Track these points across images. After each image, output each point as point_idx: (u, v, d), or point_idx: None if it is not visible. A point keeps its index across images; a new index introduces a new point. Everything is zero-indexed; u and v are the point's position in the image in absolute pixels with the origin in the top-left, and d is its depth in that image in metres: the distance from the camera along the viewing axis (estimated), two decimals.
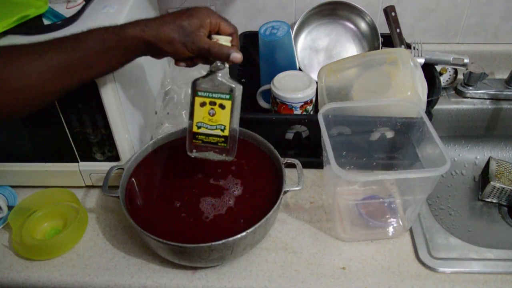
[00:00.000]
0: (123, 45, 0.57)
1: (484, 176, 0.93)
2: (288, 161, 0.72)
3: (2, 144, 0.76)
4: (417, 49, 0.93)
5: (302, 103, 0.81)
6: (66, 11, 0.70)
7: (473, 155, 1.01)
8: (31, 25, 0.67)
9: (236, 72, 0.90)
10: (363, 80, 0.80)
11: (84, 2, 0.72)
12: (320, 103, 0.83)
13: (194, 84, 0.62)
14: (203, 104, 0.62)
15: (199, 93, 0.62)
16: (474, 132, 1.01)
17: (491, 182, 0.88)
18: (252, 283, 0.65)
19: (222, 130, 0.63)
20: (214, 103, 0.62)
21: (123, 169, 0.71)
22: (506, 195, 0.89)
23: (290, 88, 0.81)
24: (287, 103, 0.81)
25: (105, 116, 0.69)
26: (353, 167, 0.80)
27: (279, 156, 0.71)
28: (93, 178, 0.79)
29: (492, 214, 0.90)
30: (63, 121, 0.71)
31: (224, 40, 0.60)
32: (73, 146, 0.74)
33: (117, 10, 0.71)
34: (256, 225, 0.60)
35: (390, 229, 0.72)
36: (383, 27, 0.95)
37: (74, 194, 0.76)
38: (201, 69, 0.70)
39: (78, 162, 0.77)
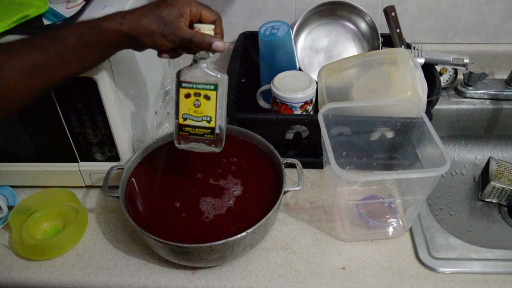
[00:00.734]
0: (101, 40, 0.55)
1: (484, 176, 0.93)
2: (288, 161, 0.72)
3: (2, 144, 0.76)
4: (417, 49, 0.93)
5: (302, 103, 0.81)
6: (66, 11, 0.70)
7: (473, 155, 1.01)
8: (31, 25, 0.67)
9: (236, 72, 0.90)
10: (363, 80, 0.80)
11: (84, 2, 0.72)
12: (320, 103, 0.83)
13: (178, 75, 0.61)
14: (187, 96, 0.61)
15: (183, 84, 0.60)
16: (474, 132, 1.01)
17: (491, 182, 0.88)
18: (252, 283, 0.65)
19: (208, 122, 0.62)
20: (199, 94, 0.60)
21: (123, 169, 0.71)
22: (506, 195, 0.89)
23: (290, 88, 0.81)
24: (287, 103, 0.81)
25: (105, 116, 0.69)
26: (353, 167, 0.80)
27: (279, 156, 0.71)
28: (93, 178, 0.79)
29: (492, 214, 0.90)
30: (63, 121, 0.71)
31: (207, 29, 0.58)
32: (73, 146, 0.74)
33: (117, 10, 0.71)
34: (256, 225, 0.60)
35: (390, 229, 0.72)
36: (383, 27, 0.95)
37: (74, 194, 0.76)
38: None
39: (78, 162, 0.77)
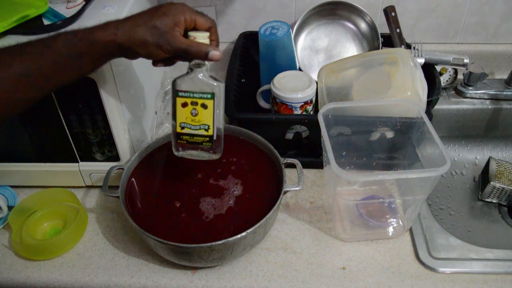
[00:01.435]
0: (94, 50, 0.54)
1: (484, 176, 0.93)
2: (288, 161, 0.72)
3: (2, 144, 0.76)
4: (417, 49, 0.93)
5: (302, 103, 0.81)
6: (66, 11, 0.70)
7: (473, 155, 1.01)
8: (31, 25, 0.66)
9: (236, 72, 0.90)
10: (363, 80, 0.80)
11: (84, 2, 0.72)
12: (320, 103, 0.83)
13: (174, 84, 0.60)
14: (184, 105, 0.60)
15: (180, 94, 0.60)
16: (474, 132, 1.01)
17: (491, 182, 0.88)
18: (252, 283, 0.65)
19: (206, 130, 0.62)
20: (196, 103, 0.60)
21: (123, 169, 0.71)
22: (506, 195, 0.89)
23: (290, 88, 0.81)
24: (287, 103, 0.81)
25: (105, 116, 0.69)
26: (353, 167, 0.80)
27: (279, 156, 0.71)
28: (93, 178, 0.79)
29: (492, 214, 0.90)
30: (63, 121, 0.71)
31: (202, 37, 0.57)
32: (73, 146, 0.74)
33: (117, 10, 0.71)
34: (256, 225, 0.60)
35: (390, 229, 0.72)
36: (383, 27, 0.95)
37: (74, 194, 0.76)
38: None
39: (78, 162, 0.77)
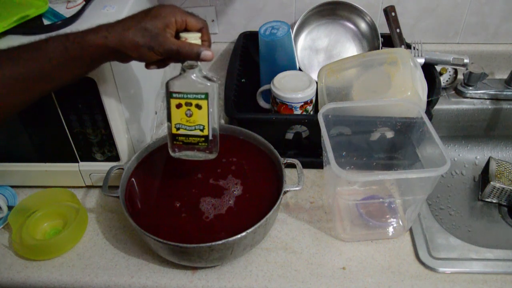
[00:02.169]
0: (86, 54, 0.54)
1: (484, 176, 0.93)
2: (288, 161, 0.72)
3: (2, 144, 0.76)
4: (417, 49, 0.93)
5: (302, 103, 0.81)
6: (66, 11, 0.70)
7: (473, 155, 1.01)
8: (31, 25, 0.66)
9: (236, 72, 0.90)
10: (363, 80, 0.80)
11: (84, 2, 0.72)
12: (320, 103, 0.83)
13: (167, 85, 0.60)
14: (179, 106, 0.60)
15: (174, 95, 0.60)
16: (474, 132, 1.01)
17: (491, 182, 0.88)
18: (252, 283, 0.65)
19: (201, 130, 0.62)
20: (190, 104, 0.60)
21: (123, 169, 0.71)
22: (506, 195, 0.89)
23: (290, 88, 0.81)
24: (287, 103, 0.81)
25: (105, 116, 0.69)
26: (353, 167, 0.80)
27: (279, 156, 0.71)
28: (93, 178, 0.79)
29: (492, 214, 0.90)
30: (63, 121, 0.71)
31: (193, 38, 0.57)
32: (73, 146, 0.74)
33: (117, 9, 0.71)
34: (256, 225, 0.60)
35: (390, 229, 0.72)
36: (383, 27, 0.95)
37: (74, 194, 0.76)
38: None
39: (78, 162, 0.77)
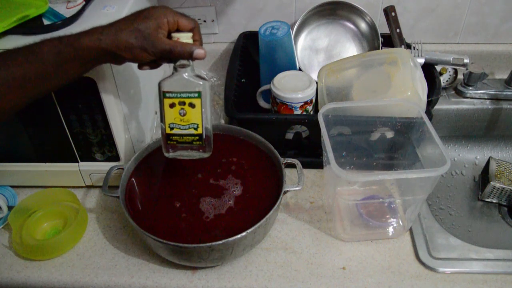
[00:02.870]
0: (80, 56, 0.54)
1: (484, 176, 0.93)
2: (288, 161, 0.72)
3: (2, 144, 0.76)
4: (417, 49, 0.93)
5: (302, 103, 0.81)
6: (66, 11, 0.70)
7: (473, 155, 1.01)
8: (31, 25, 0.67)
9: (236, 72, 0.90)
10: (363, 80, 0.80)
11: (84, 2, 0.72)
12: (320, 103, 0.83)
13: (160, 85, 0.60)
14: (172, 105, 0.61)
15: (167, 95, 0.60)
16: (474, 132, 1.01)
17: (491, 182, 0.88)
18: (252, 283, 0.65)
19: (196, 129, 0.62)
20: (184, 103, 0.60)
21: (123, 169, 0.71)
22: (506, 195, 0.89)
23: (290, 88, 0.81)
24: (287, 103, 0.81)
25: (105, 116, 0.69)
26: (353, 167, 0.80)
27: (279, 156, 0.71)
28: (93, 178, 0.79)
29: (492, 214, 0.90)
30: (63, 121, 0.71)
31: (185, 38, 0.58)
32: (73, 146, 0.74)
33: (117, 10, 0.71)
34: (256, 225, 0.60)
35: (390, 229, 0.72)
36: (383, 27, 0.95)
37: (74, 194, 0.76)
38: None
39: (78, 162, 0.77)
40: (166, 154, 0.65)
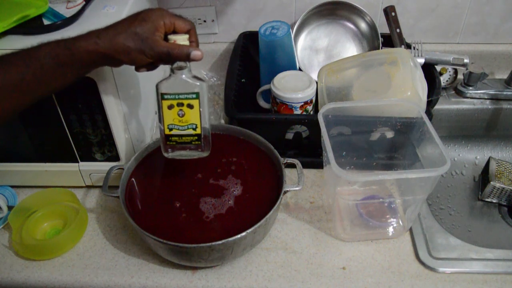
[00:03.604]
0: (77, 60, 0.55)
1: (484, 176, 0.93)
2: (288, 161, 0.72)
3: (2, 144, 0.76)
4: (417, 49, 0.93)
5: (302, 103, 0.81)
6: (66, 11, 0.70)
7: (473, 155, 1.01)
8: (31, 25, 0.67)
9: (236, 72, 0.90)
10: (363, 80, 0.80)
11: (84, 2, 0.72)
12: (320, 103, 0.83)
13: (158, 87, 0.61)
14: (170, 107, 0.61)
15: (165, 96, 0.61)
16: (474, 132, 1.01)
17: (491, 182, 0.88)
18: (252, 283, 0.65)
19: (194, 129, 0.63)
20: (182, 104, 0.61)
21: (123, 169, 0.71)
22: (506, 195, 0.89)
23: (290, 88, 0.81)
24: (287, 103, 0.81)
25: (105, 116, 0.69)
26: (353, 167, 0.80)
27: (279, 156, 0.71)
28: (93, 178, 0.79)
29: (492, 214, 0.90)
30: (63, 121, 0.71)
31: (182, 40, 0.59)
32: (73, 146, 0.74)
33: (117, 10, 0.71)
34: (256, 225, 0.60)
35: (390, 229, 0.72)
36: (383, 27, 0.95)
37: (74, 194, 0.76)
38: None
39: (78, 162, 0.77)
40: (165, 155, 0.66)
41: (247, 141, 0.77)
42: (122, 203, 0.66)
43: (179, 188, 0.70)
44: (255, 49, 0.94)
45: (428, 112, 0.78)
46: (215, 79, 1.03)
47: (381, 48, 0.93)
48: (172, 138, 0.64)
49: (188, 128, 0.63)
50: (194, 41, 0.61)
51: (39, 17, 0.68)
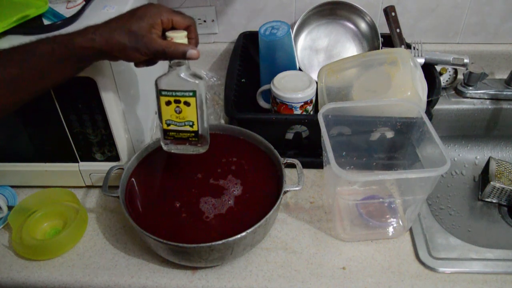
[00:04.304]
0: (74, 56, 0.55)
1: (484, 176, 0.93)
2: (288, 161, 0.72)
3: (2, 144, 0.76)
4: (417, 49, 0.93)
5: (302, 103, 0.81)
6: (66, 11, 0.70)
7: (473, 155, 1.01)
8: (31, 25, 0.67)
9: (236, 72, 0.90)
10: (363, 80, 0.80)
11: (84, 2, 0.72)
12: (320, 103, 0.83)
13: (156, 83, 0.61)
14: (168, 103, 0.62)
15: (163, 93, 0.61)
16: (474, 132, 1.01)
17: (491, 182, 0.88)
18: (252, 283, 0.65)
19: (191, 126, 0.63)
20: (179, 101, 0.62)
21: (123, 169, 0.71)
22: (506, 195, 0.89)
23: (290, 88, 0.81)
24: (287, 103, 0.81)
25: (105, 116, 0.69)
26: (353, 167, 0.80)
27: (279, 156, 0.71)
28: (93, 178, 0.79)
29: (492, 214, 0.90)
30: (63, 121, 0.71)
31: (180, 37, 0.58)
32: (73, 146, 0.74)
33: (117, 10, 0.71)
34: (256, 225, 0.60)
35: (390, 229, 0.72)
36: (383, 27, 0.95)
37: (74, 194, 0.76)
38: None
39: (78, 162, 0.77)
40: (164, 148, 0.67)
41: (247, 141, 0.77)
42: (122, 203, 0.66)
43: (179, 188, 0.70)
44: (255, 49, 0.94)
45: (428, 112, 0.78)
46: (215, 79, 1.03)
47: (381, 48, 0.93)
48: (170, 133, 0.65)
49: (185, 125, 0.63)
50: (194, 38, 0.60)
51: (39, 17, 0.68)
